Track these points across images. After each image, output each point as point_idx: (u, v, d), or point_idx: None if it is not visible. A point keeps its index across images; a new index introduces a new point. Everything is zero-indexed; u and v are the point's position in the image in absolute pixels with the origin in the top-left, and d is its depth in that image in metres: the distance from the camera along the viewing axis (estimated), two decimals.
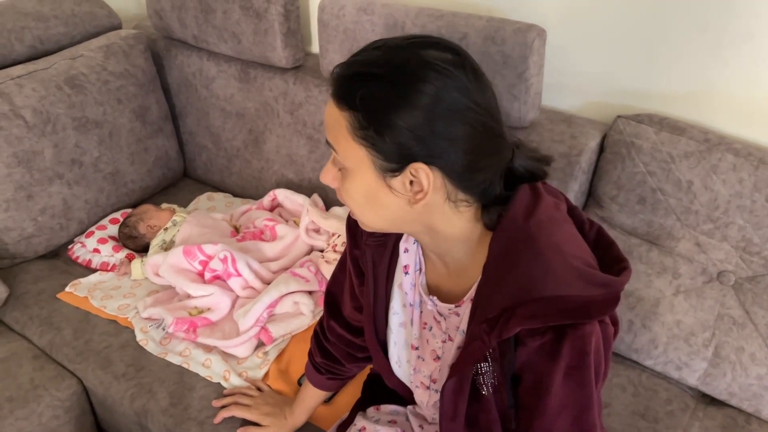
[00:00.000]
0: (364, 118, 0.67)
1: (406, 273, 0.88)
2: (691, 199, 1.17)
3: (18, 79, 1.54)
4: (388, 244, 0.89)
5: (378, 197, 0.72)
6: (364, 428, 1.01)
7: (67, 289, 1.51)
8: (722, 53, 1.18)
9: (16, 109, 1.51)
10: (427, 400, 0.92)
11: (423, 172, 0.69)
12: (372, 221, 0.77)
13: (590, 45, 1.32)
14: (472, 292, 0.80)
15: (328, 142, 0.73)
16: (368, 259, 0.90)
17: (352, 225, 0.95)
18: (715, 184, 1.14)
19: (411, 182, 0.70)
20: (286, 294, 1.35)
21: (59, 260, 1.63)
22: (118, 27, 1.85)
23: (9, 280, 1.52)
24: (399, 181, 0.70)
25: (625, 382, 1.23)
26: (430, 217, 0.74)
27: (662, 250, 1.22)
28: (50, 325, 1.42)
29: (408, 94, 0.66)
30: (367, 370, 1.19)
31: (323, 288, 1.40)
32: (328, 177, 0.75)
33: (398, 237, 0.88)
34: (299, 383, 1.24)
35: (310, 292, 1.40)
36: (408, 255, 0.88)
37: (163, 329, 1.35)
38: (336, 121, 0.70)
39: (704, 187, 1.15)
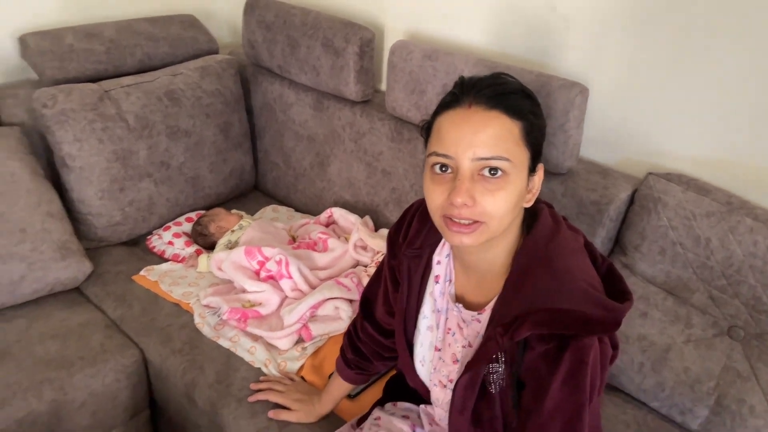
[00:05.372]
0: (531, 125, 0.84)
1: (437, 282, 1.01)
2: (708, 255, 1.26)
3: (127, 88, 1.79)
4: (423, 256, 1.02)
5: (521, 198, 0.85)
6: (380, 417, 1.14)
7: (142, 272, 1.71)
8: (755, 126, 1.27)
9: (122, 113, 1.75)
10: (442, 397, 1.03)
11: (540, 171, 0.89)
12: (505, 223, 0.84)
13: (632, 107, 1.44)
14: (492, 303, 0.92)
15: (485, 158, 0.80)
16: (404, 268, 1.04)
17: (392, 238, 1.09)
18: (732, 243, 1.23)
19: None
20: (329, 299, 1.51)
21: (138, 248, 1.85)
22: (215, 52, 2.10)
23: (94, 259, 1.74)
24: (531, 181, 0.87)
25: (631, 420, 1.31)
26: (514, 219, 0.87)
27: (677, 300, 1.30)
28: (123, 302, 1.62)
29: (540, 109, 0.89)
30: (390, 374, 1.32)
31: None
32: (466, 195, 0.81)
33: (432, 250, 1.02)
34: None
35: (350, 301, 1.54)
36: (440, 266, 1.01)
37: (218, 316, 1.52)
38: (509, 130, 0.82)
39: (721, 246, 1.24)
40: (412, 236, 1.03)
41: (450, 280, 1.00)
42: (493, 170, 0.81)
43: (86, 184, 1.73)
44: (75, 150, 1.69)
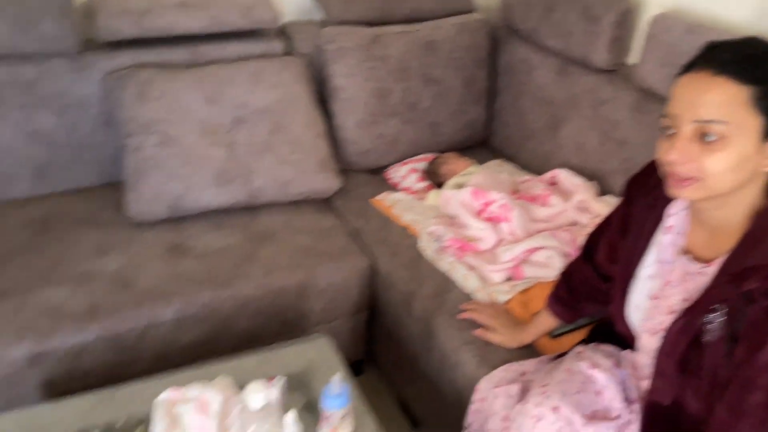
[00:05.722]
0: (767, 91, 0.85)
1: (668, 233, 1.06)
2: None
3: (394, 35, 2.03)
4: (657, 207, 1.08)
5: (747, 163, 0.87)
6: (582, 351, 1.23)
7: (379, 197, 1.97)
8: None
9: (387, 56, 2.00)
10: (650, 344, 1.07)
11: None
12: (726, 185, 0.88)
13: None
14: (722, 258, 0.95)
15: (702, 121, 0.86)
16: (638, 217, 1.11)
17: (632, 185, 1.16)
18: None
19: None
20: (544, 247, 1.61)
21: (378, 177, 2.11)
22: (472, 11, 2.26)
23: (343, 179, 2.01)
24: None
25: None
26: (750, 181, 0.91)
27: None
28: (362, 216, 1.89)
29: None
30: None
31: (574, 255, 1.62)
32: (678, 153, 0.88)
33: (667, 202, 1.07)
34: None
35: (563, 254, 1.63)
36: (674, 218, 1.05)
37: (440, 244, 1.71)
38: (733, 95, 0.85)
39: None
40: (651, 187, 1.09)
41: (681, 232, 1.05)
42: (711, 132, 0.86)
43: (348, 114, 2.01)
44: (345, 83, 1.98)
